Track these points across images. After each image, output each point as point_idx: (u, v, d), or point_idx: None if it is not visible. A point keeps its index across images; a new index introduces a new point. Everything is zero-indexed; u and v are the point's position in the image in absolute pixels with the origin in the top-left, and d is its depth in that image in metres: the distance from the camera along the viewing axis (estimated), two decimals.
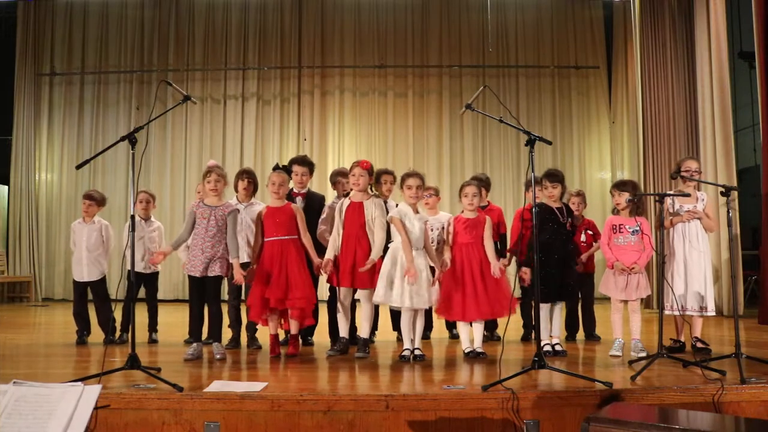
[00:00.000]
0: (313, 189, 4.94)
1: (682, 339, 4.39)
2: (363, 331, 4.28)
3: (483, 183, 4.85)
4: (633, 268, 4.12)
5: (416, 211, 4.14)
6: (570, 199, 5.08)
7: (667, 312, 4.07)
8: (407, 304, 3.98)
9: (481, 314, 4.10)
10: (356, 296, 4.35)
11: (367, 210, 4.25)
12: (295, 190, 4.67)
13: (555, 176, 4.30)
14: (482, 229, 4.23)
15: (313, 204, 4.64)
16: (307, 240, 4.27)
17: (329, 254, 4.26)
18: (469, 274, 4.12)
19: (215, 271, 4.15)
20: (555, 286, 4.15)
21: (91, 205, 5.06)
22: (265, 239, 4.24)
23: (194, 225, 4.21)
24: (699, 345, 4.31)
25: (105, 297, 5.00)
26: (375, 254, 4.16)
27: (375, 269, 4.13)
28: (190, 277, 4.18)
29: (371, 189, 4.40)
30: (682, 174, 4.31)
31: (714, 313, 4.31)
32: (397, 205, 4.32)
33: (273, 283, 4.11)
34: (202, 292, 4.19)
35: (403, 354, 4.09)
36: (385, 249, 4.22)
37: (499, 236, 4.89)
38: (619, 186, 4.37)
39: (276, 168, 4.42)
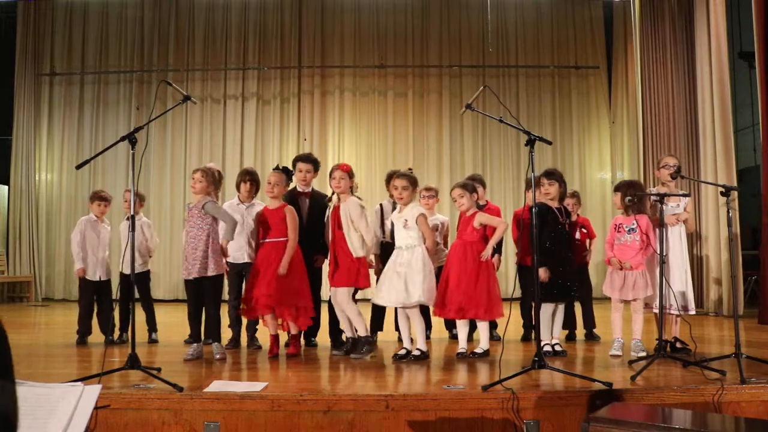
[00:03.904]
0: (315, 189, 4.93)
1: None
2: (360, 331, 4.27)
3: (477, 182, 4.88)
4: (625, 264, 4.12)
5: (400, 210, 4.19)
6: (565, 200, 5.09)
7: (654, 311, 4.09)
8: (383, 302, 4.10)
9: (448, 313, 4.13)
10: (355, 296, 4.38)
11: (342, 212, 4.26)
12: (299, 189, 4.67)
13: (552, 174, 4.32)
14: (466, 227, 4.20)
15: (318, 203, 4.64)
16: (289, 242, 4.23)
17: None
18: (447, 270, 4.15)
19: (212, 270, 4.14)
20: (558, 287, 4.14)
21: (107, 206, 5.14)
22: (261, 241, 4.31)
23: None
24: (678, 345, 4.30)
25: (110, 296, 5.01)
26: (365, 252, 4.23)
27: (358, 268, 4.19)
28: (185, 280, 4.19)
29: (352, 191, 4.41)
30: (672, 174, 4.28)
31: (694, 313, 4.30)
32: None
33: (259, 284, 4.15)
34: (199, 293, 4.19)
35: (398, 353, 4.09)
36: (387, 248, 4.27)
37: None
38: (616, 188, 4.43)
39: (276, 168, 4.43)
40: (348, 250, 4.20)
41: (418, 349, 4.08)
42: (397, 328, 4.81)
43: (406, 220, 4.10)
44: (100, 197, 5.12)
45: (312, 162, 4.71)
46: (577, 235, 5.04)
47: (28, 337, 5.58)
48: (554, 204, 4.30)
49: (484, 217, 4.21)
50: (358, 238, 4.20)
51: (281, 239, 4.23)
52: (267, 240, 4.26)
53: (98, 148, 8.96)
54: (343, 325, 4.37)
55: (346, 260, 4.20)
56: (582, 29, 9.81)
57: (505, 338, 3.51)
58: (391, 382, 3.46)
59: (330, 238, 4.37)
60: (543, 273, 4.06)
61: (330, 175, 4.38)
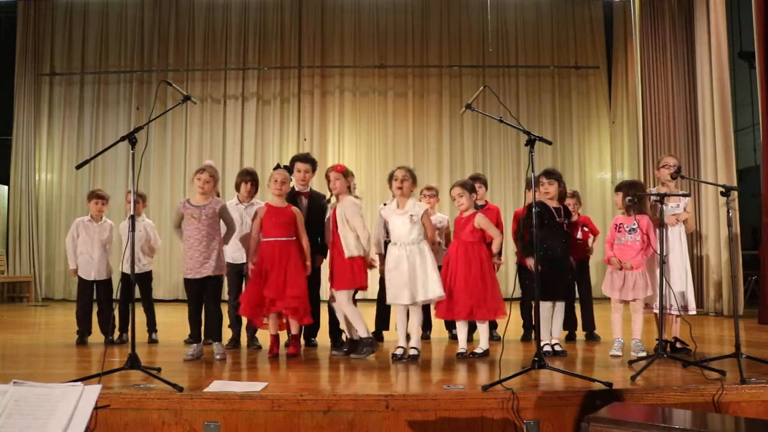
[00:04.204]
0: (313, 189, 4.94)
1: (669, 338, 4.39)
2: (360, 332, 4.27)
3: (479, 181, 4.88)
4: (625, 264, 4.12)
5: (401, 206, 4.15)
6: (565, 200, 5.10)
7: (654, 311, 4.09)
8: (404, 301, 4.03)
9: (455, 315, 4.11)
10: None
11: (338, 211, 4.27)
12: (297, 189, 4.66)
13: (551, 174, 4.33)
14: (465, 227, 4.19)
15: (317, 204, 4.64)
16: (305, 242, 4.29)
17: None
18: (445, 271, 4.13)
19: (218, 269, 4.17)
20: (553, 285, 4.13)
21: (104, 204, 5.12)
22: (264, 239, 4.24)
23: (181, 223, 4.24)
24: (678, 345, 4.30)
25: (109, 296, 4.99)
26: (359, 251, 4.21)
27: (352, 268, 4.18)
28: (187, 279, 4.18)
29: (350, 190, 4.41)
30: (672, 174, 4.27)
31: (694, 313, 4.29)
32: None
33: (270, 284, 4.11)
34: (201, 293, 4.19)
35: (395, 353, 4.07)
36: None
37: None
38: (618, 187, 4.44)
39: (278, 167, 4.42)
40: (342, 251, 4.19)
41: (414, 348, 4.08)
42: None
43: (412, 216, 4.10)
44: (97, 195, 5.12)
45: (310, 162, 4.71)
46: (579, 234, 5.06)
47: (28, 337, 5.59)
48: (553, 203, 4.31)
49: (483, 222, 4.21)
50: (353, 237, 4.19)
51: (291, 239, 4.23)
52: (275, 239, 4.19)
53: (98, 148, 8.96)
54: (344, 326, 4.38)
55: (342, 262, 4.20)
56: (582, 29, 9.81)
57: (505, 338, 3.52)
58: (391, 382, 3.46)
59: (329, 241, 4.37)
60: (531, 262, 4.10)
61: (326, 177, 4.38)
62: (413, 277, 4.02)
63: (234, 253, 4.69)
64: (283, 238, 4.21)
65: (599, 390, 3.05)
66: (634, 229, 4.18)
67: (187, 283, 4.21)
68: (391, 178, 4.51)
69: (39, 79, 9.66)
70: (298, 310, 4.18)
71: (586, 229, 5.14)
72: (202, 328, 4.24)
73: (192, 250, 4.14)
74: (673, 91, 7.54)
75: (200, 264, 4.12)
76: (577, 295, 5.08)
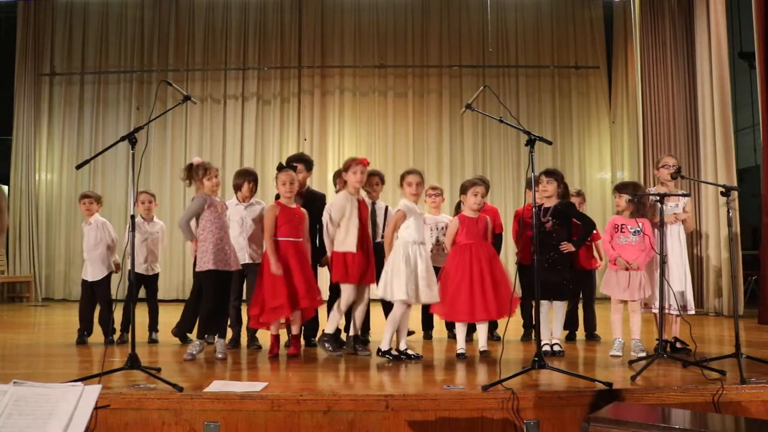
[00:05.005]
0: (313, 188, 4.94)
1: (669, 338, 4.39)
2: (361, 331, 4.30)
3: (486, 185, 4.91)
4: (632, 264, 4.11)
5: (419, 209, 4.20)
6: (570, 199, 5.07)
7: (654, 311, 4.10)
8: (419, 300, 4.03)
9: (489, 314, 4.07)
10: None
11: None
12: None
13: (552, 173, 4.33)
14: (484, 228, 4.23)
15: (314, 203, 4.63)
16: (308, 245, 4.35)
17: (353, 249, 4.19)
18: (478, 273, 4.07)
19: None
20: (544, 285, 4.00)
21: (92, 203, 5.07)
22: (284, 238, 4.16)
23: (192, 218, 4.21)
24: (678, 345, 4.30)
25: (106, 297, 4.96)
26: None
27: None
28: (218, 272, 4.07)
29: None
30: (672, 174, 4.27)
31: (693, 313, 4.29)
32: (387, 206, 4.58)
33: (304, 283, 4.11)
34: (228, 287, 4.24)
35: (387, 351, 4.03)
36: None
37: (494, 236, 4.86)
38: (620, 188, 4.40)
39: (282, 167, 4.39)
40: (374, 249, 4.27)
41: (409, 349, 4.10)
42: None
43: (425, 220, 4.24)
44: (83, 195, 5.11)
45: (305, 161, 4.72)
46: None
47: (28, 337, 5.59)
48: (550, 202, 4.30)
49: (490, 226, 4.31)
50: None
51: (302, 239, 4.25)
52: (292, 239, 4.18)
53: (98, 148, 8.96)
54: (358, 323, 4.37)
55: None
56: (582, 29, 9.81)
57: (505, 338, 3.51)
58: (391, 382, 3.46)
59: (361, 235, 4.20)
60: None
61: (348, 169, 4.26)
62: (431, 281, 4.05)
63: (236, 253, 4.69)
64: (299, 239, 4.22)
65: (599, 390, 3.05)
66: (638, 231, 4.17)
67: (217, 275, 4.09)
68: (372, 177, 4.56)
69: (39, 79, 9.66)
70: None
71: (594, 231, 5.06)
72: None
73: (223, 243, 4.12)
74: (673, 91, 7.55)
75: (233, 255, 4.21)
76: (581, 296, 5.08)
